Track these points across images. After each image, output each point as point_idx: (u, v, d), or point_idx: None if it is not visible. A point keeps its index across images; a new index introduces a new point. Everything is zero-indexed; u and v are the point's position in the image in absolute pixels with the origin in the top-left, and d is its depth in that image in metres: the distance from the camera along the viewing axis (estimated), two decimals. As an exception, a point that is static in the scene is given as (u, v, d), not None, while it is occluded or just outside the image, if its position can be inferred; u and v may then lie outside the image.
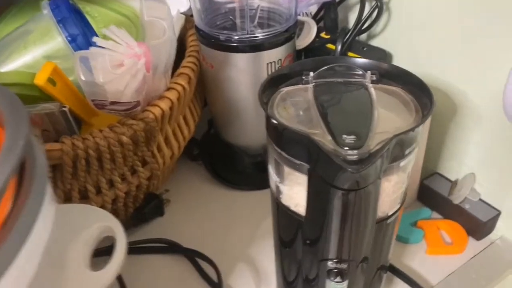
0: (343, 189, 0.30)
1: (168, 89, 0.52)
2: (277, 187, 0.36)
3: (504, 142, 0.52)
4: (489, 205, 0.55)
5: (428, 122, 0.53)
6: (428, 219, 0.57)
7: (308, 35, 0.60)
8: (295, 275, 0.41)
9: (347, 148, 0.29)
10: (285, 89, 0.37)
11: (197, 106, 0.62)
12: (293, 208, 0.36)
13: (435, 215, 0.58)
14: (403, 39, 0.58)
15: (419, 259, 0.53)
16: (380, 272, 0.42)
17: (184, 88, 0.53)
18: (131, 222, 0.56)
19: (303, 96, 0.36)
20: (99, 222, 0.30)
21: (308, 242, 0.36)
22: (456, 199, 0.55)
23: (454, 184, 0.57)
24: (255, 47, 0.52)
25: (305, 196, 0.34)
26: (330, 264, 0.35)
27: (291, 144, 0.32)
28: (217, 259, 0.51)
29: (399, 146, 0.31)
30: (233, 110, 0.58)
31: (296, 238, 0.38)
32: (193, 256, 0.53)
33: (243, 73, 0.53)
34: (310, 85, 0.37)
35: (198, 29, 0.54)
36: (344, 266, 0.35)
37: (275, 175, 0.36)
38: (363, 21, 0.56)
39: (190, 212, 0.60)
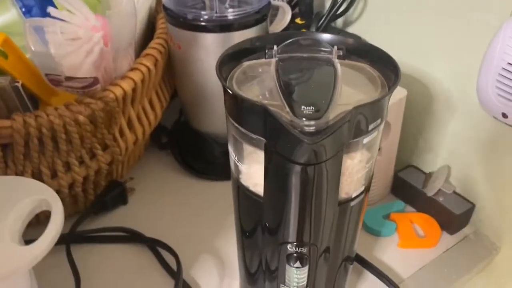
0: (301, 164, 0.28)
1: (132, 69, 0.49)
2: (236, 167, 0.34)
3: (479, 133, 0.50)
4: (463, 198, 0.53)
5: (401, 110, 0.52)
6: (401, 212, 0.55)
7: (282, 20, 0.58)
8: (257, 265, 0.39)
9: (304, 119, 0.27)
10: (246, 63, 0.35)
11: (165, 91, 0.59)
12: (252, 188, 0.33)
13: (409, 208, 0.56)
14: (379, 26, 0.56)
15: (390, 252, 0.51)
16: (345, 264, 0.40)
17: (149, 69, 0.50)
18: (91, 211, 0.53)
19: (265, 70, 0.34)
20: (34, 195, 0.28)
21: (267, 225, 0.34)
22: (430, 191, 0.53)
23: (428, 176, 0.55)
24: (225, 27, 0.49)
25: (263, 175, 0.31)
26: (289, 248, 0.33)
27: (248, 117, 0.30)
28: (180, 250, 0.49)
29: (363, 120, 0.29)
30: (202, 95, 0.55)
31: (257, 224, 0.35)
32: (154, 246, 0.50)
33: (212, 55, 0.51)
34: (274, 59, 0.34)
35: (165, 8, 0.52)
36: (304, 250, 0.33)
37: (233, 153, 0.34)
38: (338, 4, 0.54)
39: (155, 202, 0.57)
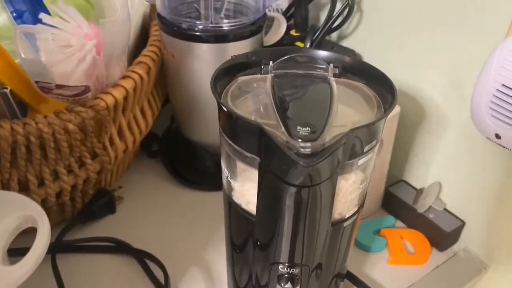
0: (296, 185, 0.28)
1: (124, 77, 0.48)
2: (229, 183, 0.34)
3: (471, 151, 0.50)
4: (454, 215, 0.53)
5: (394, 126, 0.51)
6: (391, 228, 0.55)
7: (277, 32, 0.58)
8: (246, 281, 0.38)
9: (300, 140, 0.27)
10: (242, 78, 0.34)
11: (157, 99, 0.58)
12: (244, 206, 0.33)
13: (399, 223, 0.56)
14: (373, 41, 0.56)
15: (380, 268, 0.51)
16: (336, 280, 0.39)
17: (141, 77, 0.49)
18: (78, 219, 0.52)
19: (260, 86, 0.34)
20: (20, 211, 0.27)
21: (258, 243, 0.33)
22: (421, 207, 0.53)
23: (419, 192, 0.55)
24: (220, 37, 0.49)
25: (256, 194, 0.31)
26: (281, 268, 0.33)
27: (243, 135, 0.30)
28: (169, 262, 0.48)
29: (358, 142, 0.29)
30: (195, 105, 0.55)
31: (248, 240, 0.35)
32: (142, 257, 0.49)
33: (206, 65, 0.51)
34: (269, 75, 0.34)
35: (160, 16, 0.51)
36: (296, 271, 0.33)
37: (226, 170, 0.33)
38: (333, 19, 0.54)
39: (144, 211, 0.56)
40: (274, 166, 0.28)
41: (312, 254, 0.32)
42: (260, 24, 0.52)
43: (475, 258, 0.53)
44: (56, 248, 0.48)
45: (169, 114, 0.66)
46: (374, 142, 0.30)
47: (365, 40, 0.57)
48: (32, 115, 0.48)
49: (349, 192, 0.32)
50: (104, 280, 0.48)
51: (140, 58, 0.51)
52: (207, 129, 0.57)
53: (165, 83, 0.58)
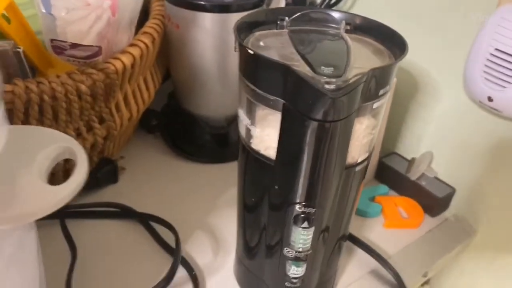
0: (319, 120, 0.29)
1: (131, 45, 0.49)
2: (248, 131, 0.35)
3: (462, 122, 0.53)
4: (444, 183, 0.56)
5: (390, 98, 0.54)
6: (385, 195, 0.58)
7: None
8: (258, 237, 0.40)
9: (325, 77, 0.29)
10: (258, 33, 0.36)
11: (158, 73, 0.60)
12: (263, 151, 0.35)
13: (392, 193, 0.59)
14: (369, 15, 0.59)
15: (376, 232, 0.53)
16: (343, 236, 0.41)
17: (147, 46, 0.51)
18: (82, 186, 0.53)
19: (278, 39, 0.36)
20: (59, 142, 0.28)
21: (276, 187, 0.35)
22: (414, 175, 0.56)
23: (412, 161, 0.58)
24: (223, 8, 0.51)
25: (276, 137, 0.33)
26: (297, 208, 0.34)
27: (267, 78, 0.31)
28: (173, 226, 0.49)
29: (373, 85, 0.31)
30: (198, 77, 0.56)
31: (264, 187, 0.36)
32: (147, 221, 0.50)
33: (210, 36, 0.52)
34: (285, 30, 0.36)
35: (166, -13, 0.52)
36: (312, 210, 0.34)
37: (246, 117, 0.35)
38: (331, -5, 0.56)
39: (145, 181, 0.57)
40: (299, 104, 0.30)
41: (327, 194, 0.34)
42: (262, -2, 0.54)
43: (464, 222, 0.56)
44: (64, 213, 0.49)
45: (167, 92, 0.67)
46: (387, 87, 0.32)
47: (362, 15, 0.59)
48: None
49: (362, 136, 0.34)
50: (112, 242, 0.49)
51: (145, 29, 0.53)
52: (208, 101, 0.59)
53: (168, 57, 0.60)
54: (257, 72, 0.32)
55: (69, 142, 0.28)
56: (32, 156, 0.26)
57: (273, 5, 0.60)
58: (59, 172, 0.49)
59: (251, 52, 0.31)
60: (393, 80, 0.52)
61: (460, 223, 0.56)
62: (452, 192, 0.56)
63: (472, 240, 0.55)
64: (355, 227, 0.53)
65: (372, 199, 0.57)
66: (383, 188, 0.58)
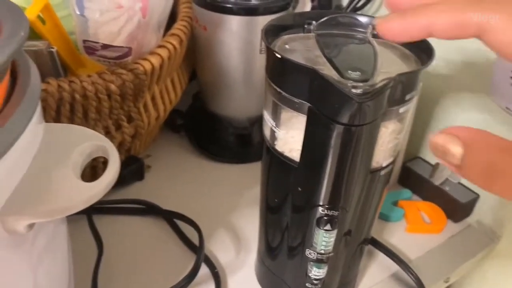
0: (345, 124, 0.30)
1: (159, 46, 0.51)
2: (272, 133, 0.36)
3: (487, 127, 0.53)
4: (468, 188, 0.56)
5: (414, 104, 0.54)
6: (408, 200, 0.57)
7: (302, 10, 0.60)
8: (280, 237, 0.40)
9: (352, 81, 0.29)
10: (285, 36, 0.37)
11: (184, 74, 0.61)
12: (287, 153, 0.35)
13: (415, 198, 0.59)
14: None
15: (398, 236, 0.53)
16: (362, 246, 0.42)
17: (175, 47, 0.52)
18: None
19: (304, 42, 0.36)
20: (93, 140, 0.29)
21: (299, 189, 0.35)
22: (437, 180, 0.55)
23: (436, 166, 0.57)
24: (250, 10, 0.52)
25: (301, 140, 0.33)
26: (321, 210, 0.35)
27: (293, 81, 0.32)
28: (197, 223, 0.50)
29: (400, 90, 0.31)
30: (223, 78, 0.57)
31: (287, 189, 0.37)
32: (171, 218, 0.51)
33: (237, 38, 0.53)
34: (313, 34, 0.36)
35: (194, -10, 0.54)
36: (335, 213, 0.35)
37: (271, 119, 0.36)
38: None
39: (170, 179, 0.58)
40: (325, 107, 0.30)
41: (350, 197, 0.35)
42: (288, 1, 0.54)
43: (487, 229, 0.55)
44: (91, 208, 0.50)
45: (192, 93, 0.68)
46: (414, 92, 0.33)
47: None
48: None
49: (387, 140, 0.34)
50: (138, 238, 0.50)
51: (173, 31, 0.54)
52: (232, 102, 0.60)
53: (194, 58, 0.61)
54: (284, 75, 0.32)
55: (102, 141, 0.29)
56: (67, 152, 0.28)
57: (299, 8, 0.61)
58: (87, 169, 0.51)
59: (278, 56, 0.31)
60: (420, 85, 0.53)
61: (483, 229, 0.55)
62: (475, 198, 0.55)
63: (495, 246, 0.54)
64: (376, 230, 0.53)
65: (395, 203, 0.57)
66: (407, 192, 0.58)
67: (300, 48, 0.36)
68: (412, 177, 0.58)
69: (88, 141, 0.28)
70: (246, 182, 0.58)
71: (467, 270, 0.52)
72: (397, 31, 0.23)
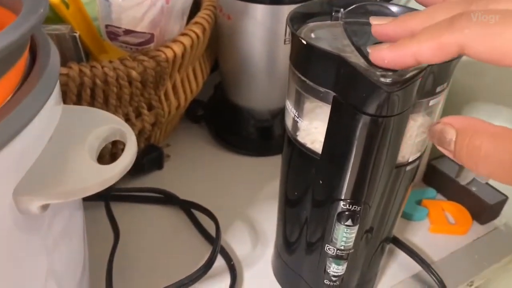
0: (372, 115, 0.28)
1: (182, 34, 0.50)
2: (295, 123, 0.35)
3: (519, 124, 0.51)
4: (496, 189, 0.54)
5: (443, 99, 0.52)
6: (433, 199, 0.56)
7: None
8: (298, 232, 0.39)
9: (381, 69, 0.28)
10: (312, 24, 0.36)
11: (207, 63, 0.60)
12: (309, 145, 0.34)
13: (440, 197, 0.57)
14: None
15: (421, 236, 0.51)
16: (383, 244, 0.40)
17: (198, 36, 0.51)
18: (128, 171, 0.54)
19: (331, 30, 0.35)
20: (110, 124, 0.28)
21: (321, 182, 0.34)
22: (464, 179, 0.53)
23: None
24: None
25: (324, 131, 0.32)
26: (342, 205, 0.34)
27: (317, 69, 0.31)
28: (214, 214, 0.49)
29: (431, 81, 0.30)
30: (246, 68, 0.56)
31: (308, 182, 0.36)
32: (189, 208, 0.50)
33: (261, 27, 0.52)
34: (340, 22, 0.35)
35: (218, -22, 0.53)
36: (357, 208, 0.33)
37: (294, 110, 0.34)
38: (387, -10, 0.55)
39: (189, 169, 0.58)
40: (351, 97, 0.29)
41: (374, 192, 0.33)
42: (315, -10, 0.53)
43: (516, 232, 0.53)
44: (109, 196, 0.50)
45: (213, 83, 0.67)
46: (445, 85, 0.31)
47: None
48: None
49: (415, 134, 0.32)
50: (154, 227, 0.49)
51: (197, 19, 0.53)
52: (255, 94, 0.59)
53: (217, 48, 0.60)
54: (309, 63, 0.31)
55: (120, 124, 0.28)
56: (84, 135, 0.27)
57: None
58: (106, 156, 0.50)
59: (304, 42, 0.30)
60: (450, 79, 0.51)
61: (511, 232, 0.53)
62: (504, 199, 0.53)
63: (523, 251, 0.52)
64: (399, 229, 0.52)
65: (419, 202, 0.55)
66: (431, 191, 0.56)
67: (327, 37, 0.34)
68: (438, 176, 0.56)
69: (106, 124, 0.28)
70: (265, 175, 0.57)
71: (492, 274, 0.50)
72: (387, 61, 0.26)
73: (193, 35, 0.50)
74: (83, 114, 0.29)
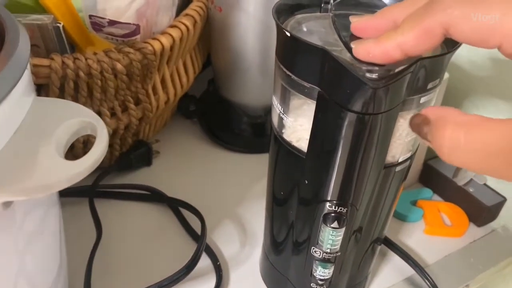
0: (358, 112, 0.27)
1: (171, 26, 0.48)
2: (280, 120, 0.33)
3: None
4: (494, 191, 0.52)
5: (441, 96, 0.50)
6: (428, 200, 0.54)
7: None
8: (286, 232, 0.38)
9: (367, 64, 0.26)
10: (300, 15, 0.34)
11: (199, 57, 0.58)
12: (295, 143, 0.32)
13: (436, 198, 0.55)
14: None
15: (416, 237, 0.50)
16: (377, 239, 0.39)
17: (188, 28, 0.49)
18: (115, 167, 0.52)
19: (321, 23, 0.33)
20: (81, 117, 0.27)
21: (306, 181, 0.33)
22: (461, 180, 0.52)
23: (460, 165, 0.54)
24: (268, -9, 0.49)
25: (309, 129, 0.30)
26: (328, 206, 0.32)
27: (303, 63, 0.29)
28: (202, 214, 0.48)
29: (422, 77, 0.28)
30: (238, 63, 0.55)
31: (294, 181, 0.34)
32: (176, 206, 0.49)
33: (253, 20, 0.50)
34: (329, 14, 0.33)
35: (210, -31, 0.51)
36: (343, 210, 0.32)
37: (279, 106, 0.33)
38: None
39: (179, 166, 0.56)
40: (336, 93, 0.27)
41: (362, 194, 0.32)
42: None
43: (514, 235, 0.51)
44: (93, 192, 0.49)
45: (207, 78, 0.66)
46: (437, 81, 0.29)
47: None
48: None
49: (405, 133, 0.31)
50: (139, 225, 0.48)
51: (187, 11, 0.51)
52: (247, 89, 0.57)
53: (209, 41, 0.58)
54: (293, 56, 0.30)
55: (91, 117, 0.27)
56: (52, 129, 0.26)
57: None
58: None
59: (288, 34, 0.29)
60: (445, 75, 0.49)
61: (509, 235, 0.51)
62: (502, 201, 0.51)
63: (521, 255, 0.51)
64: (393, 231, 0.50)
65: (414, 203, 0.53)
66: (427, 192, 0.55)
67: (318, 30, 0.33)
68: (434, 176, 0.55)
69: (76, 117, 0.26)
70: (257, 173, 0.55)
71: (488, 278, 0.48)
72: (372, 55, 0.25)
73: (183, 28, 0.49)
74: (54, 106, 0.27)
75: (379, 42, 0.24)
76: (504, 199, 0.51)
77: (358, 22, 0.28)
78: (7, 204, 0.24)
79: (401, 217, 0.51)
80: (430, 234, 0.50)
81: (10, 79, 0.23)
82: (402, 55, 0.24)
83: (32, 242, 0.30)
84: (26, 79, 0.26)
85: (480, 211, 0.51)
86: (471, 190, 0.52)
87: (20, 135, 0.24)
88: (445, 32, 0.22)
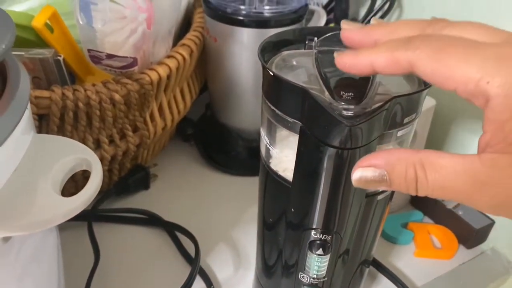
0: (336, 147, 0.29)
1: (168, 56, 0.50)
2: (267, 151, 0.35)
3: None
4: (483, 214, 0.53)
5: (429, 121, 0.52)
6: (419, 222, 0.55)
7: (316, 25, 0.59)
8: (276, 256, 0.39)
9: (343, 103, 0.28)
10: (286, 52, 0.36)
11: (195, 84, 0.60)
12: (281, 173, 0.34)
13: (427, 220, 0.56)
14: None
15: (406, 260, 0.51)
16: (364, 263, 0.40)
17: (184, 58, 0.51)
18: (113, 191, 0.54)
19: (304, 60, 0.35)
20: (77, 154, 0.28)
21: (293, 210, 0.34)
22: (450, 202, 0.53)
23: (449, 188, 0.55)
24: (261, 23, 0.51)
25: (295, 159, 0.32)
26: (313, 234, 0.34)
27: (286, 100, 0.31)
28: (198, 237, 0.49)
29: (399, 112, 0.30)
30: (233, 89, 0.57)
31: (281, 209, 0.36)
32: (173, 230, 0.51)
33: (247, 50, 0.52)
34: (313, 51, 0.35)
35: (205, 1, 0.53)
36: (328, 238, 0.33)
37: (266, 137, 0.35)
38: (373, 13, 0.55)
39: (176, 190, 0.58)
40: (315, 129, 0.29)
41: (345, 222, 0.33)
42: (301, 14, 0.53)
43: (502, 257, 0.52)
44: (92, 216, 0.50)
45: (204, 102, 0.68)
46: (414, 115, 0.31)
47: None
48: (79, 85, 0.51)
49: (385, 164, 0.32)
50: (136, 249, 0.49)
51: (184, 41, 0.53)
52: (243, 114, 0.59)
53: (205, 68, 0.61)
54: (277, 93, 0.31)
55: (85, 153, 0.28)
56: (50, 166, 0.27)
57: (313, 22, 0.60)
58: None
59: (271, 73, 0.31)
60: (432, 101, 0.51)
61: (498, 257, 0.52)
62: (491, 223, 0.52)
63: (510, 276, 0.51)
64: (383, 253, 0.51)
65: (405, 225, 0.54)
66: (418, 214, 0.56)
67: (300, 65, 0.34)
68: (424, 199, 0.56)
69: (72, 154, 0.28)
70: (252, 196, 0.56)
71: (477, 300, 0.49)
72: (348, 65, 0.27)
73: (180, 58, 0.51)
74: (51, 144, 0.29)
75: (356, 55, 0.26)
76: (493, 222, 0.52)
77: (347, 32, 0.29)
78: (6, 239, 0.25)
79: (392, 240, 0.53)
80: (420, 256, 0.51)
81: (12, 119, 0.25)
82: (371, 71, 0.26)
83: (29, 270, 0.31)
84: (26, 118, 0.28)
85: (469, 233, 0.52)
86: (460, 212, 0.53)
87: (19, 173, 0.26)
88: (410, 68, 0.24)
